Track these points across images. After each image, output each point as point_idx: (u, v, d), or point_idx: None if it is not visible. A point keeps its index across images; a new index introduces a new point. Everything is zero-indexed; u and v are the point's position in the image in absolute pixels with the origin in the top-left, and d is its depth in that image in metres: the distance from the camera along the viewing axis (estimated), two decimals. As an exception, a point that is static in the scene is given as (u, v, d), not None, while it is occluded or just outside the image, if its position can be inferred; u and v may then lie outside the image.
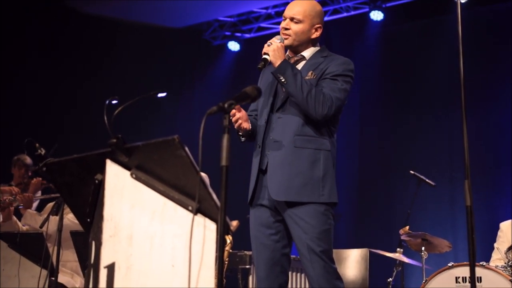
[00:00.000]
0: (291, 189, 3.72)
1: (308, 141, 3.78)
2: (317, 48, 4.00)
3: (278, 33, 3.98)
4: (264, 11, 10.39)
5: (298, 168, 3.73)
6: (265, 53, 3.80)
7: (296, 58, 3.96)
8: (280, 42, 3.83)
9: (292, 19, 3.90)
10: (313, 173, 3.74)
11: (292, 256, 4.28)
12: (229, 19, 10.84)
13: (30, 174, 6.51)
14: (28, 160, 6.56)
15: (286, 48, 3.95)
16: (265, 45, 3.83)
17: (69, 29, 9.53)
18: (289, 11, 3.93)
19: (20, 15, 9.10)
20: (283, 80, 3.72)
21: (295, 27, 3.89)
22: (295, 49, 3.96)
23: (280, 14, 9.99)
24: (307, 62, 3.93)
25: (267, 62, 3.80)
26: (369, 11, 9.60)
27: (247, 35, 10.77)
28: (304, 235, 3.70)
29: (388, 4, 9.58)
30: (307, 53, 3.97)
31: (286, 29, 3.90)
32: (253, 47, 10.37)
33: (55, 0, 9.48)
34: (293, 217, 3.74)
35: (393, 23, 9.70)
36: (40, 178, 6.10)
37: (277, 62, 3.75)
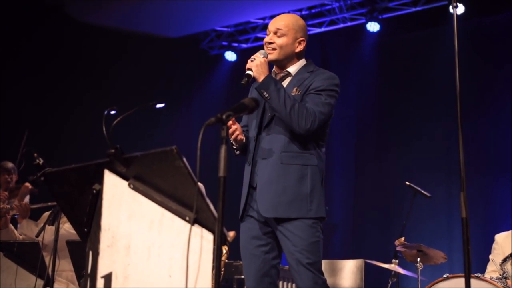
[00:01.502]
0: (280, 205, 3.74)
1: (295, 157, 3.79)
2: (303, 63, 4.00)
3: (263, 48, 3.98)
4: (261, 21, 10.43)
5: (285, 185, 3.75)
6: (248, 69, 3.80)
7: (282, 74, 3.97)
8: (263, 57, 3.83)
9: (275, 32, 3.90)
10: (300, 189, 3.75)
11: (284, 266, 4.30)
12: (226, 29, 10.88)
13: (17, 179, 6.49)
14: (9, 165, 6.54)
15: (272, 63, 3.95)
16: (249, 61, 3.84)
17: (67, 38, 9.54)
18: (272, 25, 3.93)
19: (19, 24, 9.11)
20: (266, 96, 3.72)
21: (279, 41, 3.89)
22: (280, 64, 3.96)
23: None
24: (293, 78, 3.93)
25: (250, 78, 3.81)
26: (366, 22, 9.63)
27: (244, 45, 10.80)
28: (293, 247, 3.72)
29: (384, 16, 9.63)
30: (293, 68, 3.97)
31: (270, 43, 3.90)
32: (249, 57, 10.40)
33: (54, 9, 9.49)
34: (282, 230, 3.76)
35: (389, 34, 9.73)
36: (28, 184, 6.10)
37: (260, 78, 3.76)
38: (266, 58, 3.86)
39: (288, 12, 9.82)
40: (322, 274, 3.79)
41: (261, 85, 3.74)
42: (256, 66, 3.78)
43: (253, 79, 3.84)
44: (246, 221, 3.89)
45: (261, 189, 3.80)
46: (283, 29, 3.90)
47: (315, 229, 3.76)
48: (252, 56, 3.85)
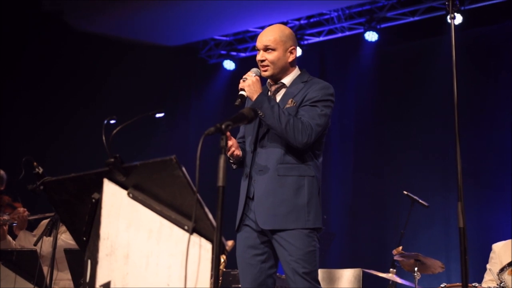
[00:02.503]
0: (277, 217, 3.75)
1: (291, 168, 3.80)
2: (298, 73, 4.01)
3: (255, 65, 3.99)
4: (259, 30, 10.40)
5: (282, 196, 3.76)
6: (241, 89, 3.83)
7: (276, 86, 3.98)
8: (255, 76, 3.85)
9: (265, 49, 3.91)
10: (297, 200, 3.76)
11: (280, 275, 4.30)
12: (224, 38, 10.91)
13: (3, 188, 6.43)
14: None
15: (266, 78, 3.98)
16: (241, 81, 3.86)
17: (66, 47, 9.55)
18: (260, 43, 3.94)
19: (17, 32, 9.12)
20: (261, 114, 3.73)
21: (270, 57, 3.90)
22: (275, 77, 3.96)
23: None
24: (288, 90, 3.94)
25: (244, 98, 3.84)
26: (364, 32, 9.67)
27: (243, 54, 10.84)
28: (289, 257, 3.73)
29: (382, 25, 9.66)
30: (287, 79, 3.97)
31: (263, 61, 3.91)
32: (248, 66, 10.35)
33: (52, 18, 9.51)
34: (278, 239, 3.77)
35: (387, 43, 9.77)
36: (6, 196, 6.08)
37: (253, 97, 3.77)
38: (259, 76, 3.87)
39: (287, 22, 9.88)
40: (318, 283, 3.80)
41: (254, 104, 3.75)
42: (249, 86, 3.80)
43: (247, 99, 3.86)
44: (242, 231, 3.90)
45: (258, 201, 3.81)
46: (271, 44, 3.90)
47: (311, 238, 3.77)
48: (244, 76, 3.88)
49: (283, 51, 3.91)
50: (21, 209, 5.98)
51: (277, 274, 4.02)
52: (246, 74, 3.88)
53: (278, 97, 3.94)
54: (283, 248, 3.75)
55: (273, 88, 3.97)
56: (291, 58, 3.94)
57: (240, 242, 3.92)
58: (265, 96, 3.78)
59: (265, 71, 3.91)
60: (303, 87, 3.90)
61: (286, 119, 3.71)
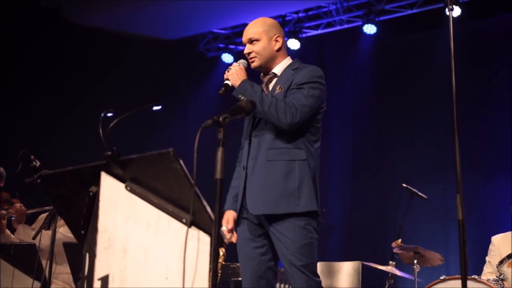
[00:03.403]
0: (267, 202, 3.74)
1: (281, 153, 3.79)
2: (289, 62, 4.02)
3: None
4: (258, 23, 10.42)
5: (272, 181, 3.75)
6: (226, 79, 3.85)
7: (268, 77, 4.00)
8: (239, 65, 3.89)
9: (250, 41, 3.96)
10: (287, 184, 3.74)
11: (281, 268, 4.27)
12: (223, 31, 10.90)
13: (2, 185, 6.41)
14: None
15: (258, 70, 4.01)
16: (226, 71, 3.88)
17: (64, 41, 9.54)
18: (244, 37, 3.99)
19: (17, 27, 9.11)
20: (244, 99, 3.73)
21: (255, 47, 3.94)
22: (265, 67, 3.98)
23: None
24: (279, 78, 3.96)
25: (228, 87, 3.84)
26: (363, 25, 9.65)
27: (241, 47, 10.79)
28: (285, 250, 3.72)
29: (381, 18, 9.65)
30: (278, 68, 3.99)
31: (249, 53, 3.95)
32: (246, 59, 10.41)
33: (52, 12, 9.49)
34: (274, 232, 3.76)
35: (386, 36, 9.75)
36: (5, 193, 6.08)
37: (237, 84, 3.80)
38: (244, 66, 3.90)
39: (285, 15, 9.87)
40: (317, 276, 3.77)
41: (237, 90, 3.78)
42: (232, 74, 3.83)
43: (232, 88, 3.87)
44: (241, 224, 3.90)
45: (249, 188, 3.81)
46: (254, 36, 3.95)
47: (307, 230, 3.74)
48: (229, 67, 3.91)
49: (268, 39, 3.95)
50: (18, 205, 5.98)
51: (278, 267, 4.02)
52: (231, 65, 3.91)
53: (270, 87, 3.95)
54: (279, 241, 3.74)
55: (265, 79, 3.99)
56: (277, 46, 3.97)
57: (239, 235, 3.92)
58: (248, 82, 3.80)
59: (253, 62, 3.94)
60: (292, 74, 3.91)
61: (269, 101, 3.71)
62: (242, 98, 3.74)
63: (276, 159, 3.78)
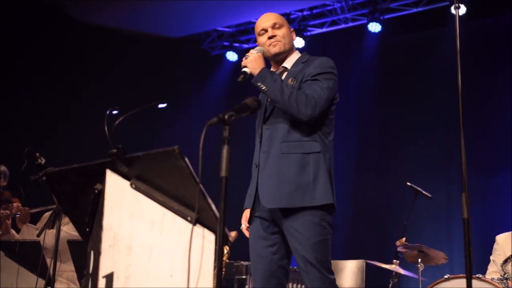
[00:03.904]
0: (282, 195, 3.70)
1: (295, 146, 3.75)
2: (298, 55, 4.03)
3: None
4: (262, 22, 10.41)
5: (286, 175, 3.71)
6: (244, 66, 3.81)
7: (279, 71, 3.98)
8: (257, 53, 3.85)
9: (273, 26, 3.95)
10: (302, 177, 3.70)
11: (293, 267, 4.24)
12: (227, 29, 10.89)
13: (5, 184, 6.42)
14: (1, 168, 6.48)
15: (273, 58, 3.99)
16: (243, 59, 3.85)
17: (68, 38, 9.54)
18: (267, 22, 3.98)
19: (19, 24, 9.12)
20: (263, 88, 3.72)
21: (280, 32, 3.95)
22: (281, 57, 3.97)
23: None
24: (289, 72, 3.95)
25: (246, 75, 3.80)
26: (367, 23, 9.64)
27: (246, 46, 10.80)
28: (299, 246, 3.68)
29: (386, 16, 9.63)
30: (288, 63, 3.99)
31: (273, 36, 3.93)
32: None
33: (54, 9, 9.50)
34: (289, 229, 3.72)
35: (391, 34, 9.74)
36: (7, 192, 6.09)
37: (256, 72, 3.76)
38: (261, 54, 3.87)
39: (290, 13, 9.86)
40: (331, 272, 3.74)
41: (257, 77, 3.75)
42: (251, 61, 3.79)
43: (251, 76, 3.83)
44: (254, 222, 3.87)
45: (262, 182, 3.77)
46: (278, 21, 3.98)
47: (321, 226, 3.71)
48: (246, 54, 3.87)
49: (288, 29, 4.01)
50: (16, 204, 5.99)
51: (290, 266, 3.99)
52: (249, 52, 3.88)
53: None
54: (293, 238, 3.70)
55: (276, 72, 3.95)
56: (294, 37, 4.04)
57: (251, 233, 3.89)
58: (267, 71, 3.77)
59: (275, 46, 3.92)
60: (303, 66, 3.90)
61: (289, 91, 3.68)
62: (261, 86, 3.72)
63: (290, 152, 3.74)
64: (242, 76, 3.80)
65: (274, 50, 3.92)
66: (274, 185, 3.72)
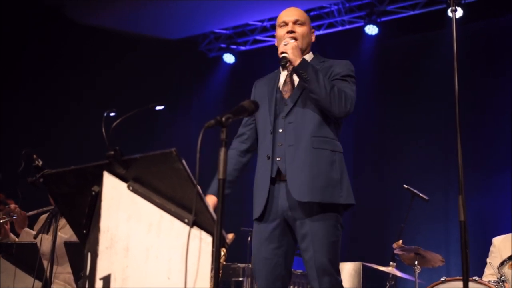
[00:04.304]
0: (315, 189, 3.66)
1: (325, 142, 3.75)
2: (312, 56, 4.01)
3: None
4: (259, 23, 10.44)
5: (319, 169, 3.68)
6: (283, 52, 3.76)
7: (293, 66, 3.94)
8: (295, 42, 3.83)
9: (295, 22, 3.93)
10: (332, 174, 3.70)
11: (297, 271, 4.21)
12: (224, 31, 10.90)
13: None
14: None
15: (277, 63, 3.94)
16: (281, 45, 3.80)
17: (66, 40, 9.54)
18: (290, 16, 3.96)
19: (18, 25, 9.11)
20: (306, 76, 3.68)
21: (300, 29, 3.92)
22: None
23: (275, 27, 10.04)
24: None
25: (286, 61, 3.75)
26: (364, 25, 9.66)
27: (243, 48, 10.81)
28: (311, 246, 3.64)
29: (383, 19, 9.65)
30: None
31: (292, 31, 3.90)
32: (248, 60, 10.43)
33: (53, 11, 9.50)
34: (304, 227, 3.67)
35: (388, 37, 9.76)
36: (1, 194, 6.07)
37: (296, 60, 3.72)
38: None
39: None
40: (339, 274, 3.72)
41: (300, 66, 3.71)
42: (292, 48, 3.76)
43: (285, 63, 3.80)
44: (261, 223, 3.81)
45: (292, 174, 3.70)
46: (301, 19, 3.95)
47: (335, 228, 3.71)
48: (284, 41, 3.83)
49: (309, 29, 3.99)
50: (13, 206, 5.97)
51: (292, 269, 3.95)
52: (285, 40, 3.83)
53: (295, 77, 3.89)
54: (307, 237, 3.66)
55: (291, 67, 3.87)
56: (313, 39, 4.01)
57: (257, 234, 3.83)
58: (307, 61, 3.76)
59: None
60: (323, 65, 3.90)
61: (331, 85, 3.69)
62: (304, 74, 3.69)
63: (321, 147, 3.73)
64: (285, 61, 3.74)
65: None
66: (306, 179, 3.67)
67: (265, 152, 3.83)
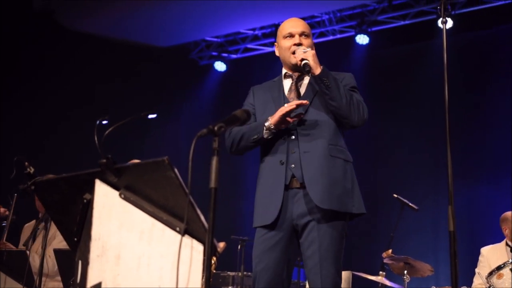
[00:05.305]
0: (334, 197, 3.68)
1: (339, 151, 3.80)
2: None
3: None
4: (251, 32, 10.46)
5: (335, 178, 3.71)
6: (303, 59, 3.77)
7: (298, 74, 3.96)
8: (312, 50, 3.85)
9: (302, 34, 3.94)
10: (345, 183, 3.74)
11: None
12: (216, 39, 10.92)
13: None
14: None
15: (291, 65, 3.95)
16: (300, 51, 3.81)
17: (57, 46, 9.53)
18: (296, 28, 3.96)
19: (8, 32, 9.09)
20: (328, 84, 3.72)
21: (306, 42, 3.93)
22: (298, 66, 3.89)
23: (267, 35, 10.09)
24: (310, 78, 3.91)
25: (310, 67, 3.75)
26: (355, 35, 9.70)
27: (234, 56, 10.83)
28: (318, 253, 3.64)
29: (374, 28, 9.70)
30: None
31: (299, 44, 3.90)
32: (239, 68, 10.45)
33: (45, 17, 9.49)
34: (309, 235, 3.68)
35: (378, 47, 9.80)
36: None
37: (317, 67, 3.74)
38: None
39: (278, 24, 9.89)
40: (340, 280, 3.74)
41: (322, 73, 3.73)
42: (313, 55, 3.78)
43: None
44: (263, 230, 3.78)
45: (311, 181, 3.69)
46: (306, 31, 3.97)
47: (341, 235, 3.73)
48: (302, 48, 3.84)
49: (312, 42, 4.00)
50: (2, 209, 5.95)
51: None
52: (301, 47, 3.85)
53: (303, 84, 3.93)
54: (313, 244, 3.66)
55: (295, 76, 3.93)
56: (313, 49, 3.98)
57: (259, 244, 3.79)
58: (327, 70, 3.78)
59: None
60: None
61: (350, 94, 3.76)
62: (326, 82, 3.72)
63: (336, 156, 3.76)
64: (307, 68, 3.76)
65: (296, 59, 3.87)
66: (326, 186, 3.68)
67: (277, 158, 3.80)
